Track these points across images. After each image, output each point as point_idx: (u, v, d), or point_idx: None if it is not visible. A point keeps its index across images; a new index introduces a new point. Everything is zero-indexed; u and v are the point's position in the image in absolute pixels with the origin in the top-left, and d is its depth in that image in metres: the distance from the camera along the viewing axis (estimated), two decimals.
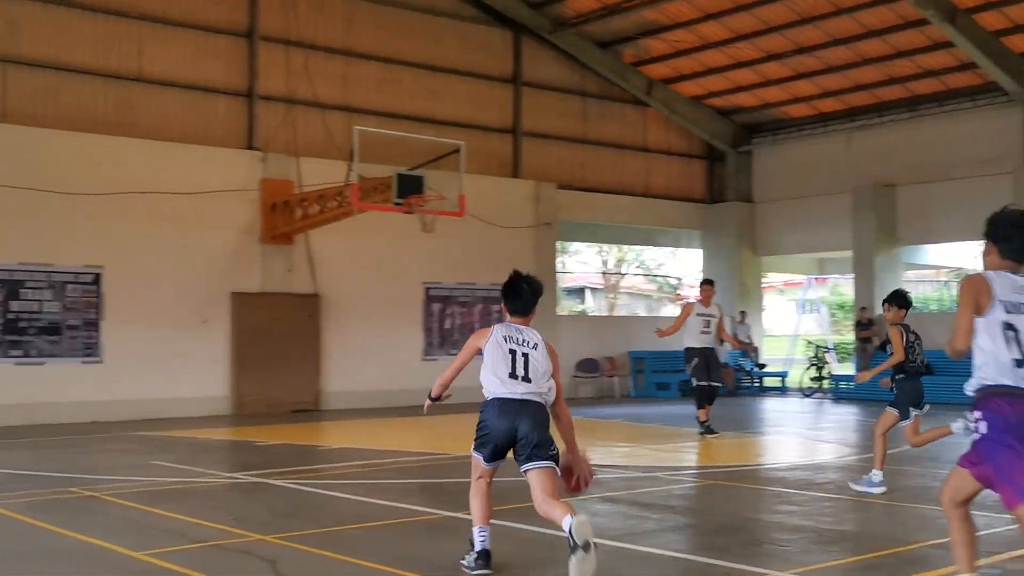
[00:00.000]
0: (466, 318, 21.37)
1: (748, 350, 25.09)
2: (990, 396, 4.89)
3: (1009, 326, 4.83)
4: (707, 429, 14.13)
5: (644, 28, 22.61)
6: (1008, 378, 4.83)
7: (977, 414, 4.93)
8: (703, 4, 21.35)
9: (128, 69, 18.25)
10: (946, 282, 33.40)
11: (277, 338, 18.64)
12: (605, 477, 11.02)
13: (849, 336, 28.61)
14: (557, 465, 6.13)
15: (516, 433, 6.07)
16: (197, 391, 17.98)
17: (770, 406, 20.73)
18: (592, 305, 45.70)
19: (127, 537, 7.33)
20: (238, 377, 18.36)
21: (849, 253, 24.25)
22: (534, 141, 23.44)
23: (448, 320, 21.10)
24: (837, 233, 24.24)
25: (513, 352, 6.31)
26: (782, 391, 24.35)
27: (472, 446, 6.37)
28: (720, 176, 26.79)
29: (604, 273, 42.42)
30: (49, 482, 10.14)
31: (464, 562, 6.31)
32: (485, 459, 6.27)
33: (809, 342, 27.32)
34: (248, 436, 14.89)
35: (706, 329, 14.37)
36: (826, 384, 23.19)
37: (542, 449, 6.05)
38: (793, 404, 21.08)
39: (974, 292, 4.90)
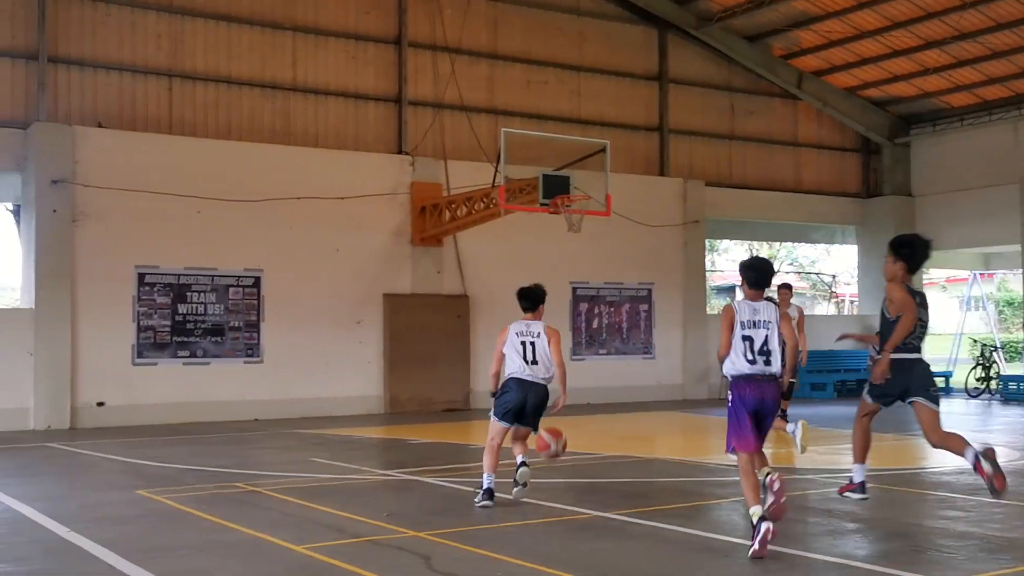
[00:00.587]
0: (614, 317, 21.30)
1: None
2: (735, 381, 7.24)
3: (746, 337, 7.17)
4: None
5: (794, 19, 22.05)
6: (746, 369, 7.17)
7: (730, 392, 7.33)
8: None
9: (284, 79, 18.95)
10: None
11: (428, 338, 18.99)
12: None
13: (1019, 334, 27.20)
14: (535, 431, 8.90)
15: (525, 404, 8.72)
16: (352, 390, 18.50)
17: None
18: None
19: (287, 531, 7.59)
20: (391, 377, 18.79)
21: (1017, 247, 23.05)
22: (680, 138, 23.17)
23: (596, 320, 21.07)
24: (1004, 226, 23.07)
25: (523, 343, 8.73)
26: (945, 392, 23.33)
27: (493, 413, 8.88)
28: (876, 169, 25.88)
29: None
30: (215, 477, 10.60)
31: (476, 501, 8.65)
32: (504, 422, 8.84)
33: (975, 341, 26.10)
34: (401, 434, 15.21)
35: None
36: (993, 385, 22.09)
37: (536, 420, 8.88)
38: (958, 406, 20.17)
39: (729, 317, 7.22)
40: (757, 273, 7.42)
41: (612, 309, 21.31)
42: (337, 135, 19.32)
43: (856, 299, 28.46)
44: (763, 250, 40.55)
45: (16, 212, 20.35)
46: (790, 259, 42.19)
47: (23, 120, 16.85)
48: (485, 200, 17.12)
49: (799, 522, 8.08)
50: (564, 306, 20.77)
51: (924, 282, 27.45)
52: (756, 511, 6.81)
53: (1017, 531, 7.73)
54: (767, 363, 7.16)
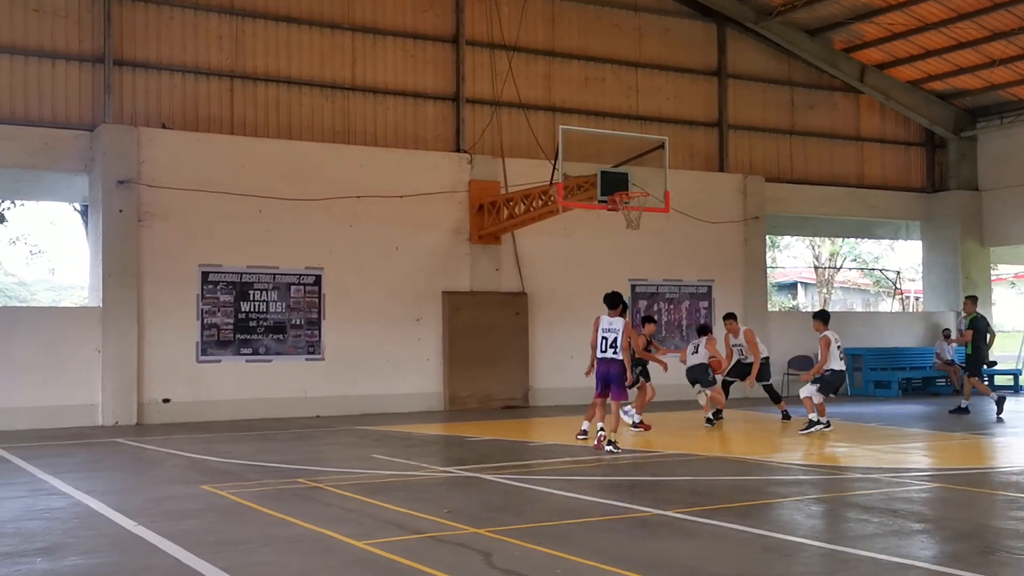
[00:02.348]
0: (673, 314, 21.17)
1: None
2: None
3: (604, 338, 12.06)
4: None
5: (856, 12, 21.70)
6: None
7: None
8: None
9: (344, 79, 19.12)
10: None
11: (487, 336, 19.04)
12: (821, 478, 10.66)
13: None
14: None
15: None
16: (411, 387, 18.61)
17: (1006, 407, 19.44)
18: (805, 301, 44.31)
19: (349, 526, 7.66)
20: (450, 374, 18.87)
21: None
22: (740, 134, 22.95)
23: (655, 316, 20.92)
24: None
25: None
26: (1015, 390, 22.82)
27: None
28: (941, 163, 25.39)
29: (817, 267, 41.03)
30: (277, 473, 10.73)
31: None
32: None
33: None
34: (460, 432, 15.27)
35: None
36: None
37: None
38: None
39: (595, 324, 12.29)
40: (610, 299, 12.29)
41: (671, 306, 21.18)
42: (396, 134, 19.46)
43: (921, 296, 27.94)
44: (825, 245, 40.01)
45: (84, 212, 20.84)
46: (852, 255, 41.54)
47: (90, 123, 17.21)
48: (543, 197, 17.11)
49: (864, 522, 7.97)
50: None
51: (992, 278, 26.90)
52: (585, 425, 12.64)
53: None
54: (614, 352, 12.00)
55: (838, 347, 14.28)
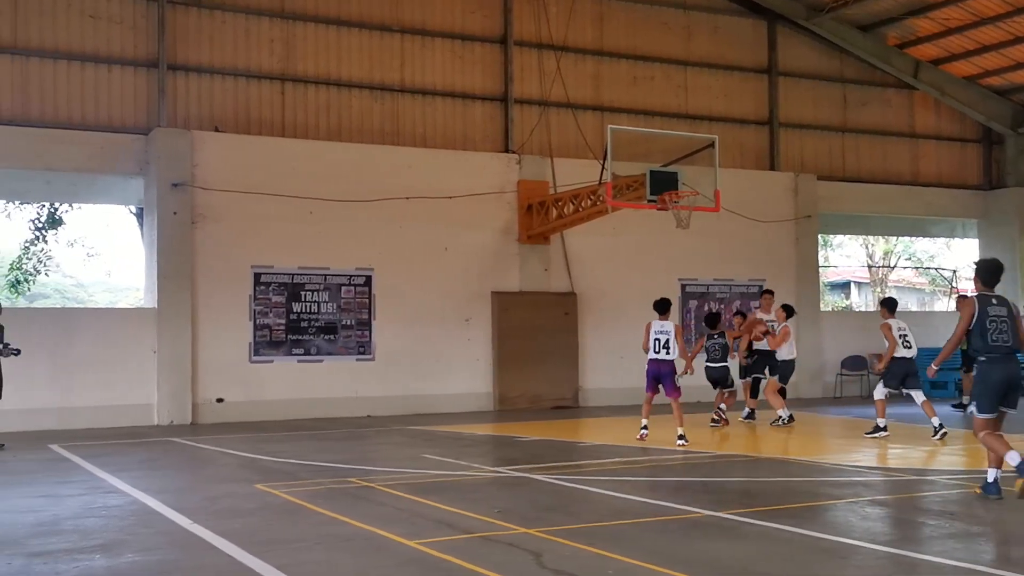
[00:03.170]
0: (725, 314, 20.97)
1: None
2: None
3: (657, 339, 13.05)
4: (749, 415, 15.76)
5: (909, 7, 21.40)
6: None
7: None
8: None
9: (393, 80, 19.24)
10: None
11: (536, 336, 19.05)
12: (875, 479, 10.52)
13: None
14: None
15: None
16: (462, 387, 18.67)
17: None
18: (858, 300, 43.72)
19: (401, 526, 7.70)
20: (500, 374, 18.90)
21: None
22: (791, 132, 22.73)
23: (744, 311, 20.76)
24: None
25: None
26: None
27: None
28: (999, 160, 24.94)
29: (870, 266, 40.46)
30: (329, 472, 10.82)
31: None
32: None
33: None
34: (510, 432, 15.28)
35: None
36: None
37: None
38: None
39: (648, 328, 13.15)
40: (659, 305, 13.24)
41: (722, 306, 21.02)
42: (444, 135, 19.53)
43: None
44: (879, 244, 39.46)
45: (139, 215, 21.17)
46: (907, 254, 40.91)
47: (144, 126, 17.50)
48: (592, 197, 17.07)
49: (921, 524, 7.85)
50: (673, 303, 20.50)
51: None
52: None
53: None
54: (667, 353, 12.90)
55: (902, 335, 13.94)
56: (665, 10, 21.48)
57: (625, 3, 21.12)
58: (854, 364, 22.08)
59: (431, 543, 7.07)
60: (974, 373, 8.83)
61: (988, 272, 8.85)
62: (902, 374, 14.01)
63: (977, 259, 9.12)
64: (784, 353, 15.05)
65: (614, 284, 19.86)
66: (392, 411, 17.88)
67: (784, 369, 15.17)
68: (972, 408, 8.85)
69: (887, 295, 16.05)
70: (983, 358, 8.63)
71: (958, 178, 24.76)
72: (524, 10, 20.15)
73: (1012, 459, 8.34)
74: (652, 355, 12.98)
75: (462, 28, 19.84)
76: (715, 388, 15.44)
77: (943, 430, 13.08)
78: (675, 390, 13.01)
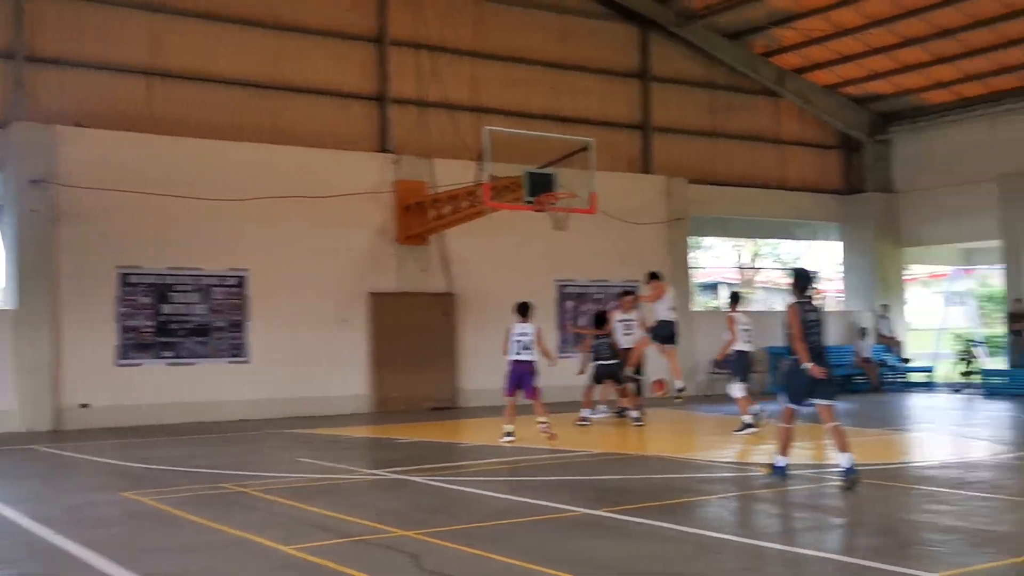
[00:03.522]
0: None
1: (891, 344, 24.30)
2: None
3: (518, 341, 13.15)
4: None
5: (774, 17, 22.12)
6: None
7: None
8: None
9: (267, 77, 18.87)
10: None
11: (414, 337, 18.97)
12: (745, 475, 10.84)
13: (999, 329, 27.39)
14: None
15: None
16: (339, 390, 18.46)
17: (916, 402, 20.00)
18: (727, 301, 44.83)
19: (276, 531, 7.56)
20: (378, 376, 18.75)
21: (997, 242, 23.21)
22: (664, 136, 23.22)
23: (582, 317, 21.07)
24: (984, 222, 23.25)
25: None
26: (929, 387, 23.48)
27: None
28: (858, 166, 26.00)
29: (739, 268, 41.68)
30: (201, 478, 10.54)
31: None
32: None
33: (957, 336, 26.25)
34: (389, 434, 15.19)
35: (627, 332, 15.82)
36: (976, 379, 22.25)
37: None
38: (941, 400, 20.29)
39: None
40: (521, 308, 13.41)
41: (598, 307, 21.28)
42: (321, 134, 19.26)
43: (840, 295, 28.58)
44: (747, 246, 40.66)
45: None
46: (773, 255, 42.27)
47: (1, 119, 16.71)
48: (470, 198, 17.11)
49: (788, 517, 8.12)
50: (550, 304, 20.77)
51: (905, 278, 27.61)
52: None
53: (1001, 524, 7.79)
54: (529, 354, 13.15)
55: (745, 329, 14.37)
56: (542, 13, 21.67)
57: (502, 5, 21.23)
58: (724, 362, 22.64)
59: (307, 548, 6.96)
60: (787, 369, 9.82)
61: (803, 280, 9.84)
62: (745, 365, 14.40)
63: (793, 268, 10.14)
64: (662, 313, 15.02)
65: (492, 285, 19.93)
66: (267, 414, 17.54)
67: (662, 329, 15.11)
68: (783, 400, 9.78)
69: (734, 290, 16.54)
70: (796, 356, 9.57)
71: (820, 183, 25.71)
72: (401, 10, 20.03)
73: (778, 462, 9.68)
74: (513, 356, 13.18)
75: (339, 26, 19.61)
76: (599, 383, 15.80)
77: (749, 428, 13.63)
78: (534, 391, 13.16)
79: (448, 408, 19.11)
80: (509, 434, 13.10)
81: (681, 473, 10.73)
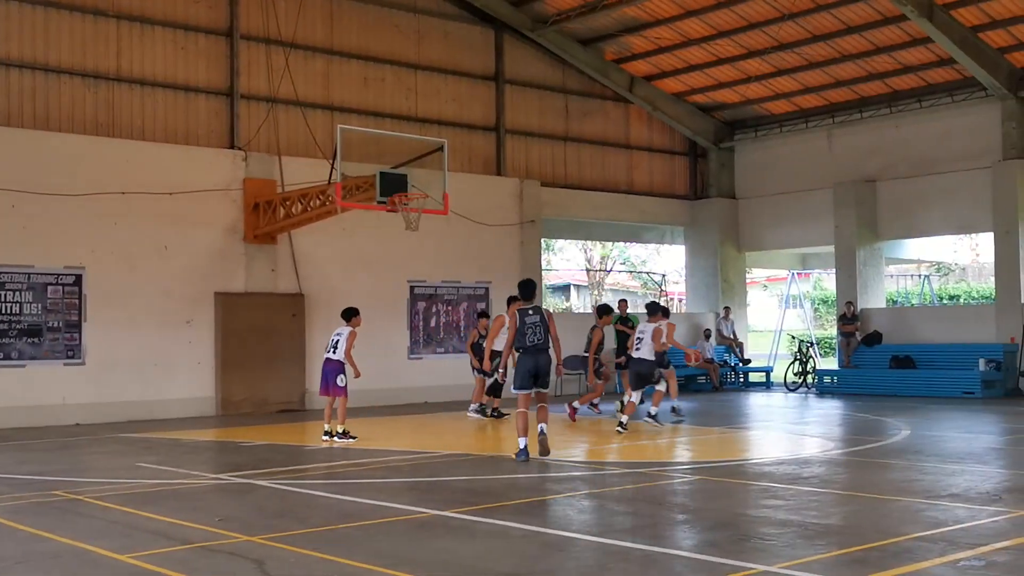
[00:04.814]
0: (452, 316, 21.36)
1: (732, 346, 25.17)
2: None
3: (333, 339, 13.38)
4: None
5: (625, 25, 22.62)
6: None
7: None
8: (684, 1, 21.38)
9: (108, 69, 18.15)
10: (927, 276, 33.57)
11: (262, 338, 18.58)
12: (593, 474, 11.05)
13: (832, 330, 28.76)
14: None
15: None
16: (182, 392, 17.91)
17: (755, 401, 20.80)
18: (577, 302, 45.76)
19: (112, 540, 7.29)
20: (223, 378, 18.29)
21: (831, 248, 24.36)
22: (517, 138, 23.43)
23: (433, 318, 21.09)
24: (819, 228, 24.35)
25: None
26: (767, 386, 24.44)
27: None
28: (703, 172, 26.85)
29: (589, 270, 42.48)
30: (33, 485, 10.06)
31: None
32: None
33: (793, 337, 27.43)
34: (234, 437, 14.84)
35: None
36: (810, 379, 23.28)
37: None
38: (778, 399, 21.15)
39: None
40: (345, 312, 13.79)
41: (450, 308, 21.36)
42: (165, 128, 18.64)
43: (684, 298, 29.45)
44: (597, 249, 41.48)
45: None
46: (622, 258, 43.26)
47: None
48: (321, 197, 16.87)
49: (632, 514, 8.31)
50: (401, 305, 20.69)
51: (747, 282, 28.69)
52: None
53: (832, 518, 8.17)
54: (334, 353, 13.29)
55: (639, 338, 14.79)
56: (396, 13, 21.56)
57: (356, 3, 21.01)
58: (573, 364, 23.02)
59: (146, 556, 6.73)
60: (517, 363, 11.81)
61: (527, 289, 11.90)
62: (644, 372, 14.82)
63: (522, 281, 12.04)
64: (636, 353, 14.81)
65: (344, 285, 19.71)
66: (106, 418, 16.87)
67: (639, 367, 14.86)
68: (513, 388, 11.74)
69: (602, 301, 17.13)
70: (520, 352, 11.66)
71: (668, 188, 26.44)
72: (252, 3, 19.58)
73: (521, 443, 11.44)
74: (327, 354, 13.66)
75: (185, 18, 19.01)
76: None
77: (623, 427, 14.12)
78: (340, 389, 13.45)
79: (296, 411, 18.80)
80: (326, 433, 13.55)
81: (530, 473, 10.85)
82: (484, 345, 16.47)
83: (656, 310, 15.21)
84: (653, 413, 15.05)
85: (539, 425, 11.54)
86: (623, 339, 17.77)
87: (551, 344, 11.67)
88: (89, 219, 17.07)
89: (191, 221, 18.08)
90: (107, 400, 17.08)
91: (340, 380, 13.49)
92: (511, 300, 15.40)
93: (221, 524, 7.82)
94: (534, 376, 11.57)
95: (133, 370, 17.38)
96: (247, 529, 7.59)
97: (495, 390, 16.51)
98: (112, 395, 17.15)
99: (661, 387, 15.43)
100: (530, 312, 11.72)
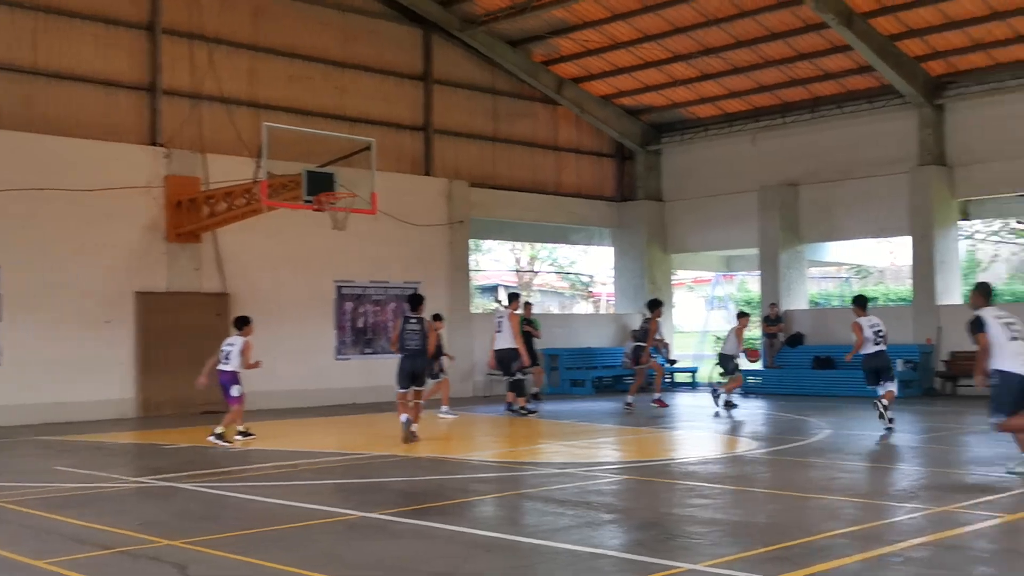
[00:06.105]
0: (379, 316, 21.22)
1: (659, 346, 25.40)
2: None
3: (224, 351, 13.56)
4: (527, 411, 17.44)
5: (554, 27, 22.72)
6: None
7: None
8: (611, 4, 21.55)
9: (24, 61, 17.66)
10: (847, 279, 34.30)
11: (185, 338, 18.23)
12: (520, 474, 11.07)
13: (756, 331, 29.27)
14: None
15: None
16: (101, 394, 17.51)
17: (681, 401, 21.03)
18: (505, 303, 45.66)
19: (28, 545, 7.10)
20: (144, 379, 17.92)
21: (755, 250, 24.75)
22: (446, 139, 23.38)
23: (361, 319, 20.94)
24: (744, 231, 24.74)
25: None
26: (692, 386, 24.73)
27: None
28: (630, 175, 27.09)
29: (517, 271, 42.58)
30: None
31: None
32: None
33: (718, 338, 27.81)
34: (156, 439, 14.57)
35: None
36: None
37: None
38: (703, 399, 21.41)
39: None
40: (238, 321, 13.81)
41: (378, 308, 21.23)
42: (85, 123, 18.19)
43: (612, 298, 29.68)
44: (525, 250, 41.60)
45: None
46: (550, 259, 43.45)
47: None
48: (246, 196, 16.63)
49: (559, 515, 8.34)
50: (328, 305, 20.50)
51: (673, 283, 29.02)
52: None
53: (756, 516, 8.30)
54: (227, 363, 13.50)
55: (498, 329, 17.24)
56: (324, 10, 21.35)
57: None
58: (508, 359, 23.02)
59: (63, 561, 6.56)
60: (399, 365, 13.36)
61: (413, 300, 13.82)
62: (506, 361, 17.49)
63: (410, 294, 14.24)
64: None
65: (270, 285, 19.47)
66: (22, 420, 16.40)
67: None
68: (397, 387, 13.29)
69: (517, 295, 18.36)
70: (401, 355, 13.38)
71: (596, 189, 26.61)
72: None
73: (402, 418, 13.15)
74: (220, 366, 13.60)
75: (106, 11, 18.58)
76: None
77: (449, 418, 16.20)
78: (234, 399, 13.49)
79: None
80: (241, 433, 13.80)
81: (457, 474, 10.83)
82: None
83: (513, 299, 17.52)
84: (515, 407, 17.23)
85: (404, 416, 13.15)
86: (530, 339, 18.79)
87: (427, 349, 13.59)
88: (4, 216, 16.61)
89: (111, 219, 17.69)
90: (24, 402, 16.62)
91: (235, 391, 13.46)
92: (512, 297, 17.96)
93: (142, 528, 7.67)
94: (411, 376, 13.25)
95: (51, 371, 16.94)
96: (170, 533, 7.45)
97: (518, 388, 17.53)
98: (29, 397, 16.70)
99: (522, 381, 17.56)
100: (412, 321, 13.46)
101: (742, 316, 19.41)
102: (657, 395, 18.28)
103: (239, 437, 13.68)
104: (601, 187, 26.72)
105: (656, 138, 26.59)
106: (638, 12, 21.55)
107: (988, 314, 10.18)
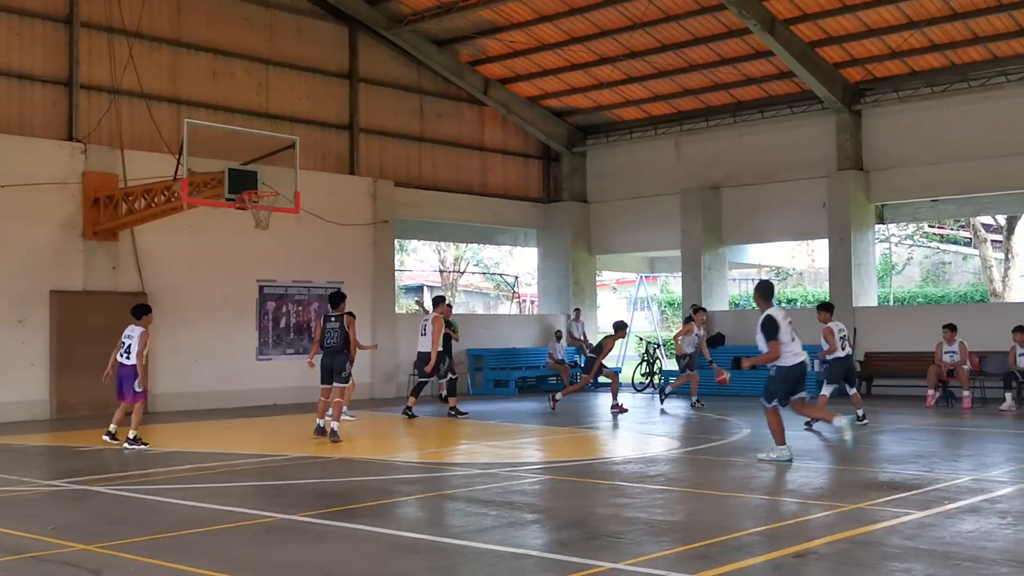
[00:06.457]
0: (302, 316, 21.00)
1: (582, 347, 25.59)
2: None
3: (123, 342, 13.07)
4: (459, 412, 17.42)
5: (480, 27, 22.73)
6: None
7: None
8: (538, 6, 21.65)
9: None
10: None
11: (102, 338, 17.67)
12: (444, 475, 11.05)
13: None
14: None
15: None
16: (13, 395, 17.03)
17: (604, 402, 21.18)
18: (430, 306, 45.51)
19: None
20: (59, 380, 17.48)
21: (678, 252, 25.07)
22: (371, 138, 23.24)
23: (283, 319, 20.70)
24: (667, 233, 25.03)
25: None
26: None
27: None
28: (556, 176, 27.23)
29: (442, 271, 42.49)
30: None
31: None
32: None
33: (640, 339, 28.09)
34: (70, 441, 14.23)
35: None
36: (657, 379, 23.87)
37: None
38: (625, 399, 21.59)
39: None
40: (136, 310, 13.40)
41: (300, 308, 21.00)
42: None
43: (536, 299, 29.80)
44: (450, 250, 41.57)
45: None
46: (475, 259, 43.45)
47: None
48: (166, 193, 16.33)
49: (483, 515, 8.35)
50: (250, 305, 20.22)
51: (598, 284, 29.24)
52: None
53: (676, 515, 8.41)
54: (128, 358, 13.08)
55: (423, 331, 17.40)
56: (247, 6, 21.05)
57: None
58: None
59: None
60: (321, 362, 13.82)
61: (334, 299, 14.11)
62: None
63: (331, 292, 14.41)
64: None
65: (190, 284, 19.13)
66: None
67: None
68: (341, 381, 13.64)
69: (439, 295, 19.17)
70: (321, 354, 13.87)
71: (522, 190, 26.69)
72: None
73: (319, 421, 13.81)
74: (116, 358, 13.27)
75: (21, 3, 18.07)
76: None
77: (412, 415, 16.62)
78: (138, 394, 13.08)
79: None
80: (108, 434, 13.26)
81: (381, 475, 10.78)
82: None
83: (438, 303, 17.62)
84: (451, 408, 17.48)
85: (323, 417, 13.74)
86: (449, 341, 18.69)
87: (347, 346, 13.78)
88: None
89: (25, 215, 17.23)
90: None
91: (137, 385, 13.04)
92: (437, 301, 17.80)
93: (55, 533, 7.48)
94: (330, 372, 13.70)
95: None
96: (84, 537, 7.28)
97: (452, 389, 17.68)
98: None
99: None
100: (332, 319, 13.88)
101: (698, 311, 19.63)
102: (615, 402, 18.04)
103: (106, 437, 13.17)
104: (527, 188, 26.81)
105: (582, 140, 26.76)
106: (564, 14, 21.67)
107: (777, 315, 11.06)
